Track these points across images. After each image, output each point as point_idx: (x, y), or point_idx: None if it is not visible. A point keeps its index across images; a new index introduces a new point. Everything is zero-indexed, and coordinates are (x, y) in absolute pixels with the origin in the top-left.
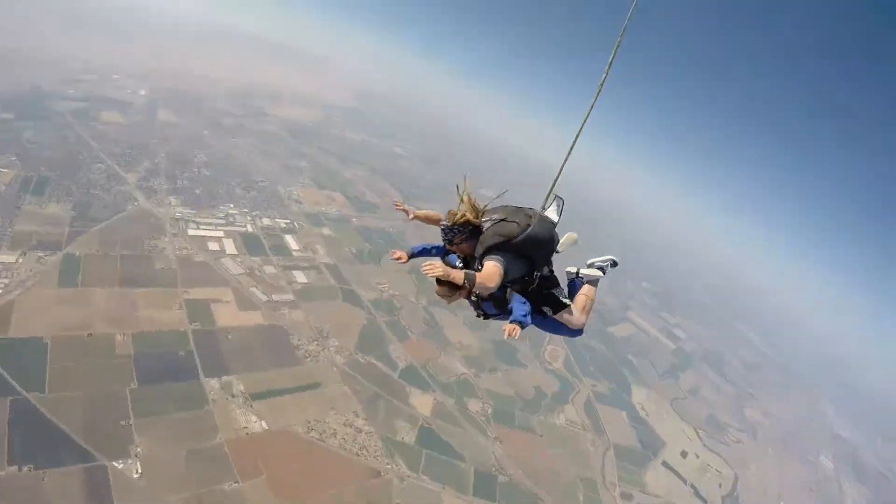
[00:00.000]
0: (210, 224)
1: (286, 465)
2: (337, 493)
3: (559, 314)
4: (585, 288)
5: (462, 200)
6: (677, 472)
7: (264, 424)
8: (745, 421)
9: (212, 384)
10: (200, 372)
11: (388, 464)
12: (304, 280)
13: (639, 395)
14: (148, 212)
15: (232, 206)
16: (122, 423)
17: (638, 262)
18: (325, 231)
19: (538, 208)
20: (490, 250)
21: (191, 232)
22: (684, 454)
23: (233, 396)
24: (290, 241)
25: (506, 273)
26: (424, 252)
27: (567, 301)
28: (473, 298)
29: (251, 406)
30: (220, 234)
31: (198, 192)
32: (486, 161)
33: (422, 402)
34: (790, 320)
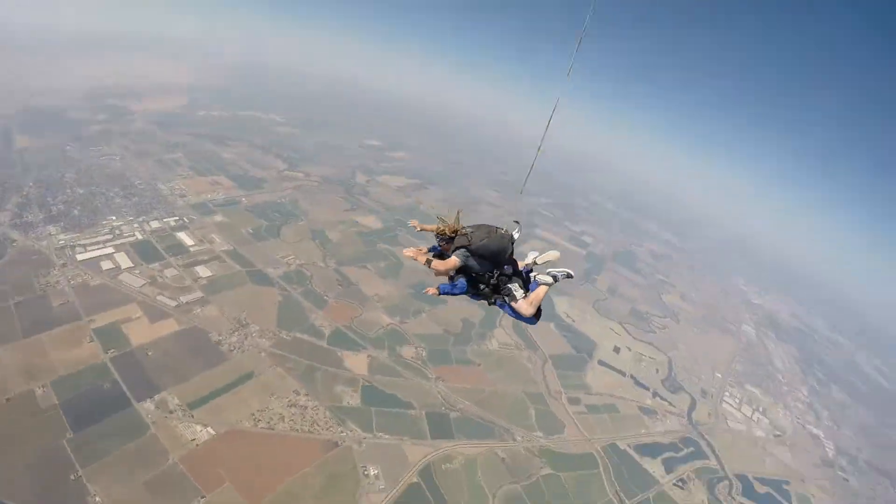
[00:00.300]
0: (97, 243)
1: (245, 464)
2: (301, 475)
3: (512, 303)
4: (539, 288)
5: (444, 221)
6: (614, 367)
7: (211, 431)
8: (666, 307)
9: (146, 407)
10: (131, 399)
11: (342, 431)
12: (209, 273)
13: (562, 305)
14: (29, 249)
15: (115, 217)
16: (72, 477)
17: (534, 180)
18: (217, 218)
19: (507, 229)
20: (456, 249)
21: (80, 257)
22: (617, 350)
23: (171, 413)
24: (184, 237)
25: (465, 265)
26: (433, 250)
27: (518, 294)
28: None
29: (192, 416)
30: (111, 250)
31: (76, 212)
32: (377, 115)
33: (357, 363)
34: (692, 211)
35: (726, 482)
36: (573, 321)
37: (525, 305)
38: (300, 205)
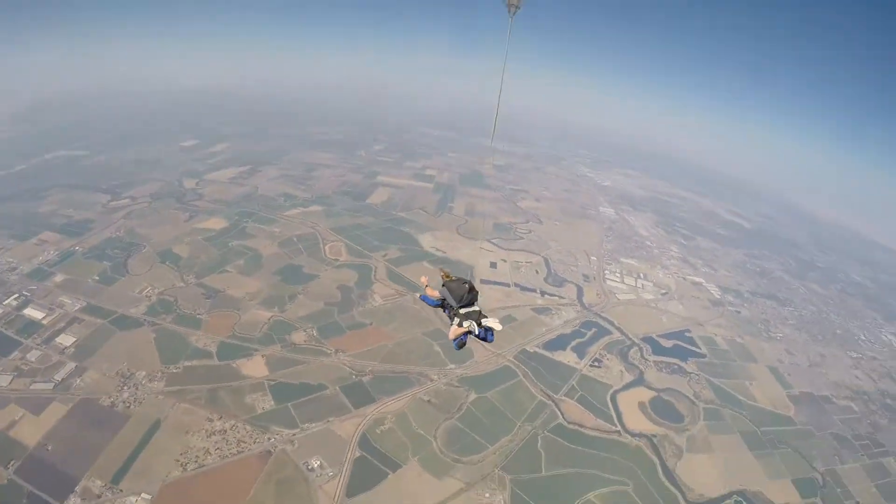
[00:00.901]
0: None
1: None
2: (252, 497)
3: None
4: (457, 328)
5: (447, 274)
6: (497, 282)
7: (146, 496)
8: (526, 213)
9: (73, 503)
10: (51, 502)
11: (269, 438)
12: (72, 339)
13: (427, 240)
14: None
15: None
16: None
17: (369, 127)
18: (58, 278)
19: (471, 281)
20: (441, 286)
21: None
22: (493, 265)
23: (99, 497)
24: (32, 312)
25: (443, 296)
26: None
27: (455, 322)
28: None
29: (121, 491)
30: None
31: None
32: (178, 113)
33: (254, 367)
34: (519, 119)
35: (635, 348)
36: (444, 252)
37: (451, 330)
38: (137, 232)
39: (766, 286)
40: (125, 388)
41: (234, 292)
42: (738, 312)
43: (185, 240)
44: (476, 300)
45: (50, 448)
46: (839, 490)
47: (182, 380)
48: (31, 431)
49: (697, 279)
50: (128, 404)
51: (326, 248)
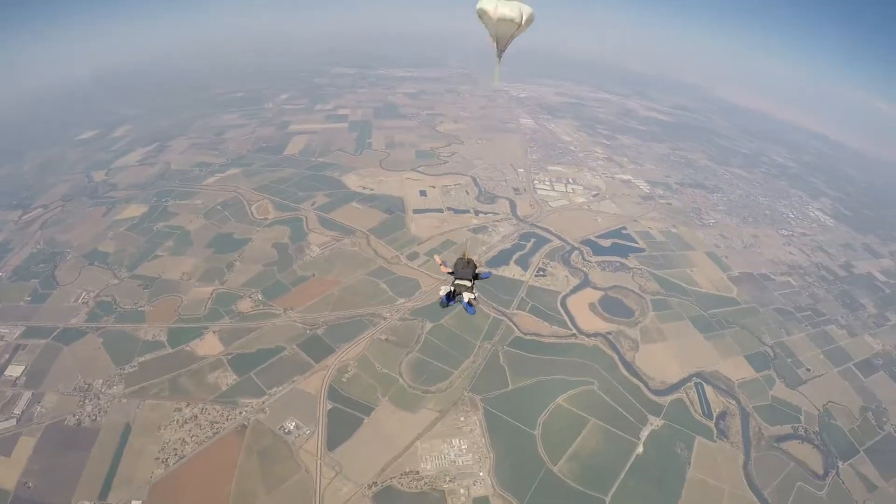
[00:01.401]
0: None
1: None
2: (237, 474)
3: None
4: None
5: (465, 252)
6: (430, 209)
7: (136, 503)
8: (446, 136)
9: None
10: None
11: (240, 412)
12: (21, 368)
13: (353, 181)
14: None
15: None
16: None
17: (271, 78)
18: None
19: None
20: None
21: None
22: (423, 193)
23: None
24: None
25: (454, 272)
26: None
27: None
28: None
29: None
30: None
31: None
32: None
33: (209, 345)
34: (425, 45)
35: (576, 252)
36: (372, 189)
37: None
38: (58, 240)
39: (693, 175)
40: (86, 401)
41: (170, 275)
42: (670, 204)
43: (109, 235)
44: (471, 276)
45: (31, 485)
46: (790, 360)
47: (140, 377)
48: (7, 474)
49: (625, 177)
50: (93, 417)
51: (253, 209)
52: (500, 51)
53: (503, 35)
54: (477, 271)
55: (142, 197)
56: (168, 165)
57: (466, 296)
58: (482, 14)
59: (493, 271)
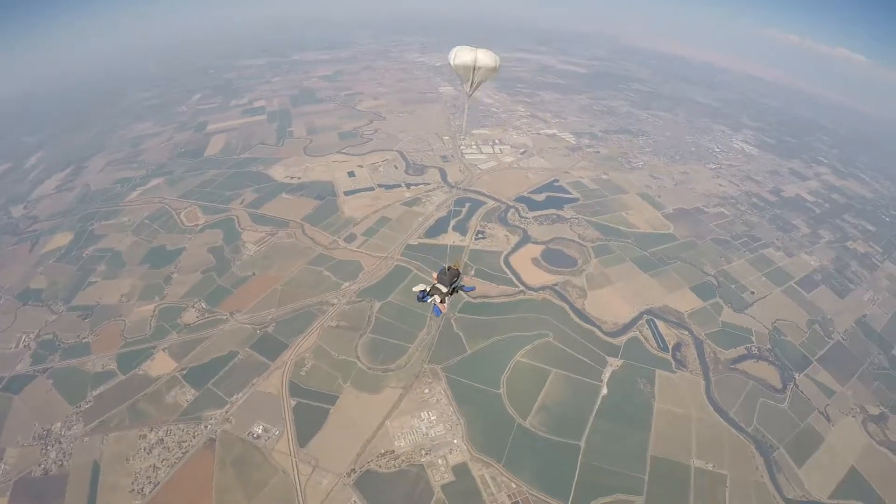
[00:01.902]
0: None
1: None
2: (216, 490)
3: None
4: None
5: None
6: (361, 188)
7: None
8: (367, 114)
9: None
10: None
11: (206, 426)
12: None
13: (279, 172)
14: None
15: None
16: None
17: (181, 81)
18: None
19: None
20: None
21: None
22: (352, 174)
23: None
24: None
25: (439, 279)
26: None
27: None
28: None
29: None
30: None
31: None
32: None
33: (161, 365)
34: (334, 30)
35: (512, 210)
36: (299, 178)
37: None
38: None
39: (617, 122)
40: (49, 448)
41: (108, 300)
42: (598, 152)
43: (38, 270)
44: (448, 283)
45: None
46: (733, 286)
47: (98, 411)
48: None
49: (551, 131)
50: (59, 463)
51: (181, 217)
52: (470, 90)
53: (478, 80)
54: (459, 283)
55: (66, 224)
56: (88, 187)
57: (436, 297)
58: (460, 67)
59: (434, 241)
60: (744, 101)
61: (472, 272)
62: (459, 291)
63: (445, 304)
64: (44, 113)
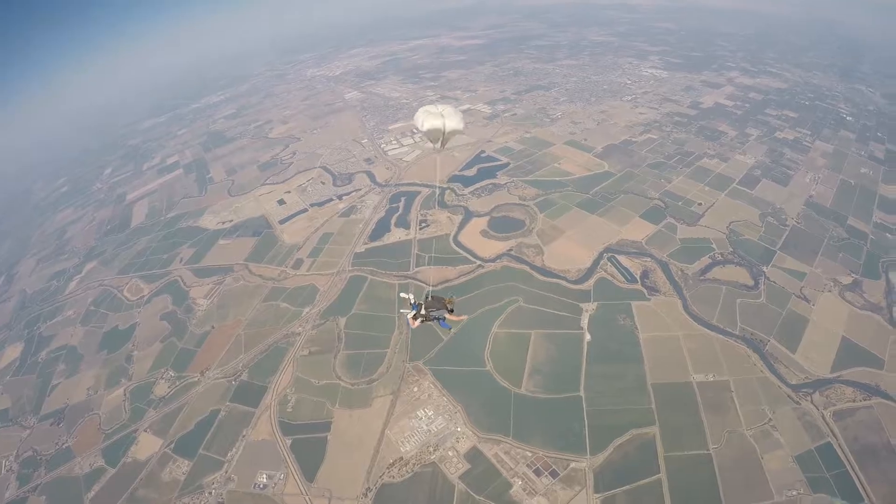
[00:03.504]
0: None
1: None
2: None
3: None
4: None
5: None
6: (294, 213)
7: None
8: (281, 140)
9: None
10: None
11: (210, 493)
12: None
13: (209, 221)
14: None
15: None
16: None
17: (87, 160)
18: None
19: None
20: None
21: None
22: (282, 202)
23: None
24: None
25: (421, 306)
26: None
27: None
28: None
29: None
30: None
31: None
32: None
33: (147, 446)
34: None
35: (447, 191)
36: (231, 220)
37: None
38: None
39: (526, 82)
40: None
41: (76, 398)
42: (515, 114)
43: None
44: (443, 307)
45: None
46: (680, 203)
47: (76, 490)
48: None
49: (464, 107)
50: None
51: (125, 293)
52: (440, 148)
53: (435, 139)
54: (440, 315)
55: (13, 336)
56: (24, 292)
57: (439, 314)
58: (431, 132)
59: (381, 243)
60: (639, 31)
61: (427, 261)
62: (434, 321)
63: (416, 322)
64: None
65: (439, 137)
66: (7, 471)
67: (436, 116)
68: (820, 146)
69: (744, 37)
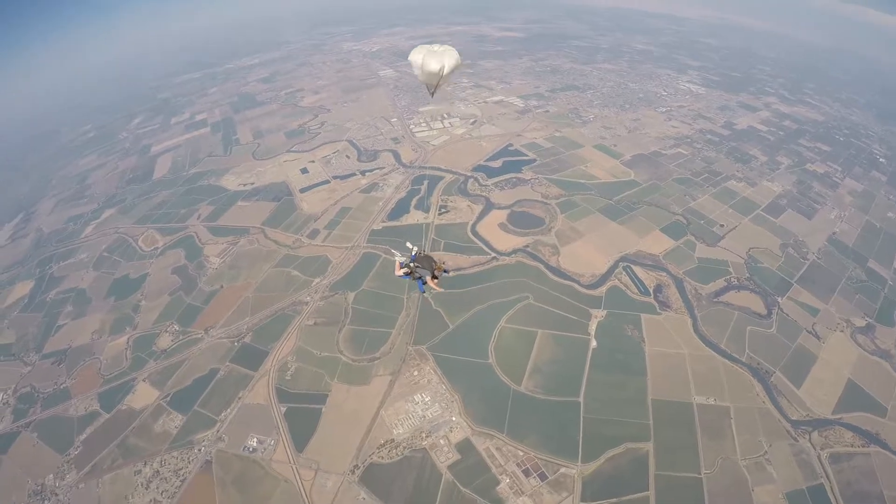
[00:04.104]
0: None
1: None
2: None
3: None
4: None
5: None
6: (315, 184)
7: None
8: (310, 109)
9: None
10: None
11: (199, 450)
12: None
13: (231, 181)
14: None
15: None
16: None
17: (116, 109)
18: None
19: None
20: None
21: None
22: (305, 170)
23: None
24: None
25: (412, 264)
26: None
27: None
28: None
29: None
30: None
31: None
32: None
33: (144, 396)
34: (266, 25)
35: (471, 180)
36: (252, 183)
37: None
38: None
39: (562, 80)
40: (45, 502)
41: (80, 341)
42: (547, 111)
43: (4, 324)
44: (429, 268)
45: None
46: (702, 222)
47: (88, 455)
48: None
49: (497, 98)
50: None
51: (140, 243)
52: (433, 91)
53: (431, 82)
54: (433, 274)
55: (24, 273)
56: (41, 231)
57: (423, 274)
58: (429, 75)
59: (398, 223)
60: (682, 43)
61: (443, 247)
62: (416, 280)
63: (401, 271)
64: None
65: (436, 80)
66: (3, 404)
67: (437, 57)
68: (849, 184)
69: (786, 64)
